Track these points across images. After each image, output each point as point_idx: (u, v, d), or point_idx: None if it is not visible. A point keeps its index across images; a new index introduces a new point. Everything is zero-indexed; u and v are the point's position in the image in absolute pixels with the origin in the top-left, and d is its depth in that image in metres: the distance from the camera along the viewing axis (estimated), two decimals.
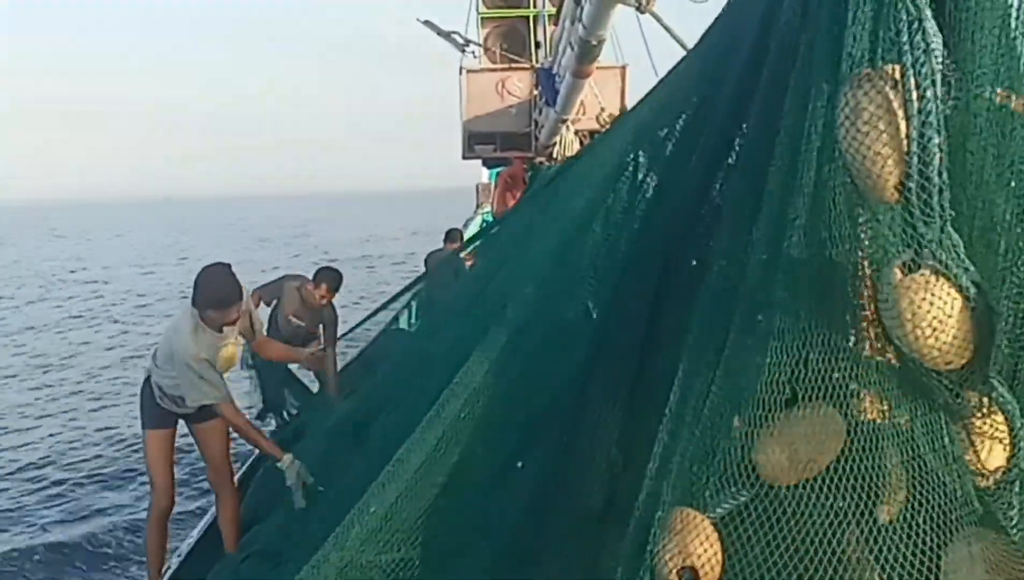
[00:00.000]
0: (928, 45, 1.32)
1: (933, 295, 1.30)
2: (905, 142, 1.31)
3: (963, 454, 1.37)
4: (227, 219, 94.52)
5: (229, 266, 4.57)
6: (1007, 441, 1.36)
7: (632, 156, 2.58)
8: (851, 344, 1.41)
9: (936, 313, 1.30)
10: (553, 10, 10.03)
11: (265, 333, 5.76)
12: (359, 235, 51.31)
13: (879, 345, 1.39)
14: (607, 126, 7.28)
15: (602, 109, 8.01)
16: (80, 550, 7.61)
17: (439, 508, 2.51)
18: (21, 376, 15.05)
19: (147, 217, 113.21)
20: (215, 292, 4.41)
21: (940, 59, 1.33)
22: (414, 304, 7.66)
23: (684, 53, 3.06)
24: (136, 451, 9.96)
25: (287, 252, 35.16)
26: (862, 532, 1.36)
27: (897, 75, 1.33)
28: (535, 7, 11.07)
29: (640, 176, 2.52)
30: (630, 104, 8.47)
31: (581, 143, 8.33)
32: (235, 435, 5.00)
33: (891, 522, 1.37)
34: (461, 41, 10.38)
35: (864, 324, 1.40)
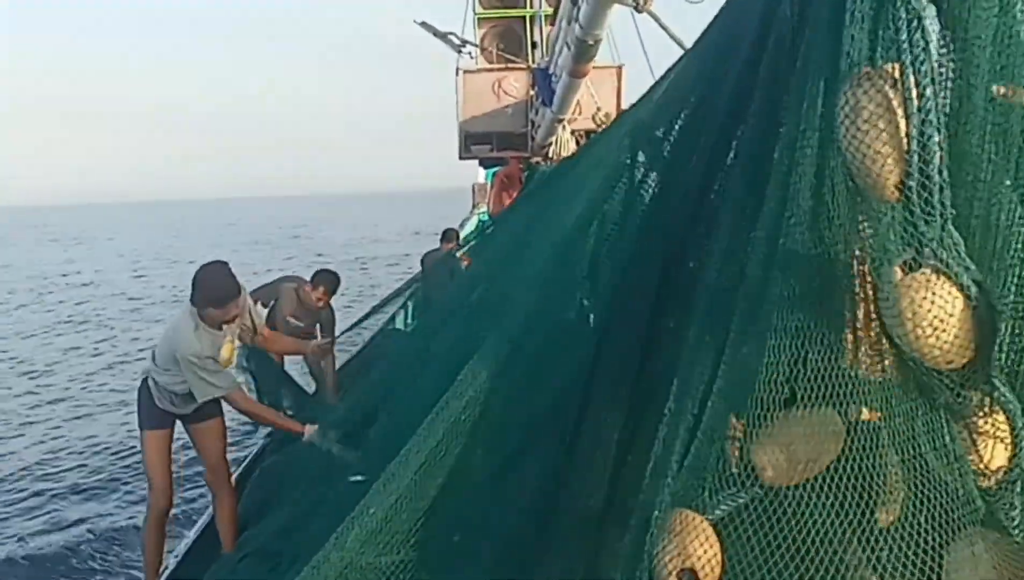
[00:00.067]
0: (927, 43, 1.32)
1: (934, 294, 1.30)
2: (905, 140, 1.31)
3: (965, 454, 1.37)
4: (226, 220, 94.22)
5: (226, 264, 4.59)
6: (1008, 441, 1.36)
7: (631, 156, 2.57)
8: (851, 343, 1.40)
9: (937, 312, 1.29)
10: (550, 10, 10.04)
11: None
12: (356, 236, 51.17)
13: (879, 344, 1.39)
14: (603, 126, 7.28)
15: (598, 109, 8.01)
16: (63, 561, 7.37)
17: (439, 510, 2.51)
18: (4, 383, 14.66)
19: (146, 218, 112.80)
20: (214, 290, 4.42)
21: (940, 55, 1.33)
22: (410, 304, 7.66)
23: (681, 52, 3.06)
24: (120, 460, 9.83)
25: (281, 254, 34.99)
26: (863, 533, 1.36)
27: (897, 73, 1.33)
28: (531, 7, 11.07)
29: (639, 176, 2.51)
30: (626, 104, 8.48)
31: (577, 143, 8.34)
32: (234, 436, 5.01)
33: (892, 522, 1.36)
34: (458, 42, 10.37)
35: (864, 323, 1.39)
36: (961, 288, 1.30)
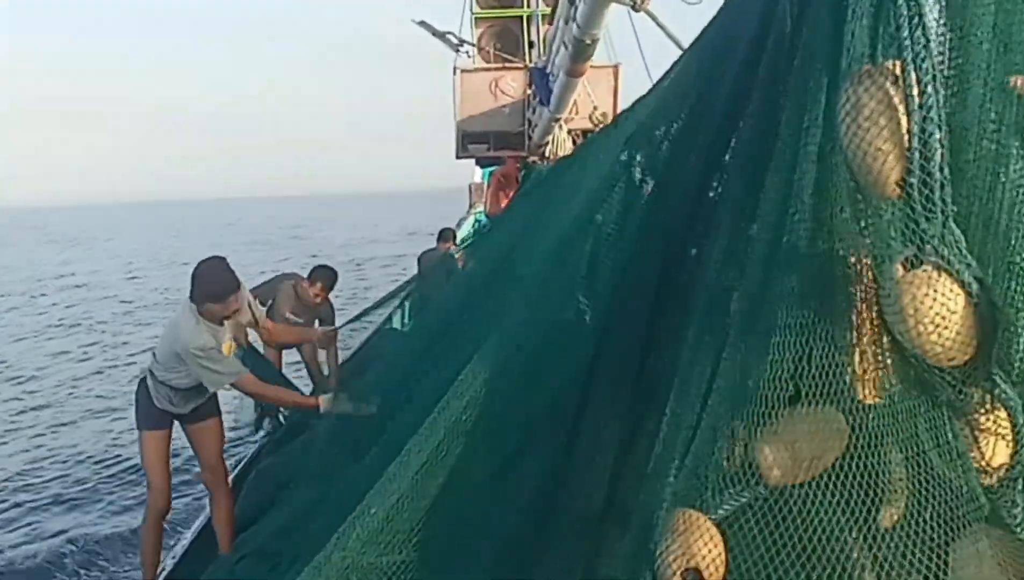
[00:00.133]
0: (928, 40, 1.32)
1: (935, 291, 1.30)
2: (906, 138, 1.31)
3: (967, 451, 1.37)
4: (225, 220, 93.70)
5: (225, 259, 4.58)
6: (1010, 438, 1.35)
7: (629, 155, 2.57)
8: (853, 341, 1.40)
9: (938, 309, 1.29)
10: (547, 10, 10.02)
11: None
12: (356, 236, 50.97)
13: (881, 341, 1.39)
14: (600, 125, 7.28)
15: (595, 108, 8.01)
16: (44, 574, 7.13)
17: (440, 510, 2.50)
18: None
19: (145, 218, 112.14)
20: (213, 285, 4.42)
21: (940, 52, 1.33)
22: (407, 304, 7.66)
23: (679, 51, 3.05)
24: (104, 469, 9.61)
25: (277, 255, 34.80)
26: (868, 530, 1.35)
27: (898, 71, 1.33)
28: (528, 7, 11.06)
29: (638, 176, 2.51)
30: (623, 103, 8.48)
31: (574, 142, 8.34)
32: (232, 436, 5.00)
33: (897, 520, 1.36)
34: (455, 41, 10.36)
35: (866, 320, 1.39)
36: (962, 285, 1.30)
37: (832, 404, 1.39)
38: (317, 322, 7.09)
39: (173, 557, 5.11)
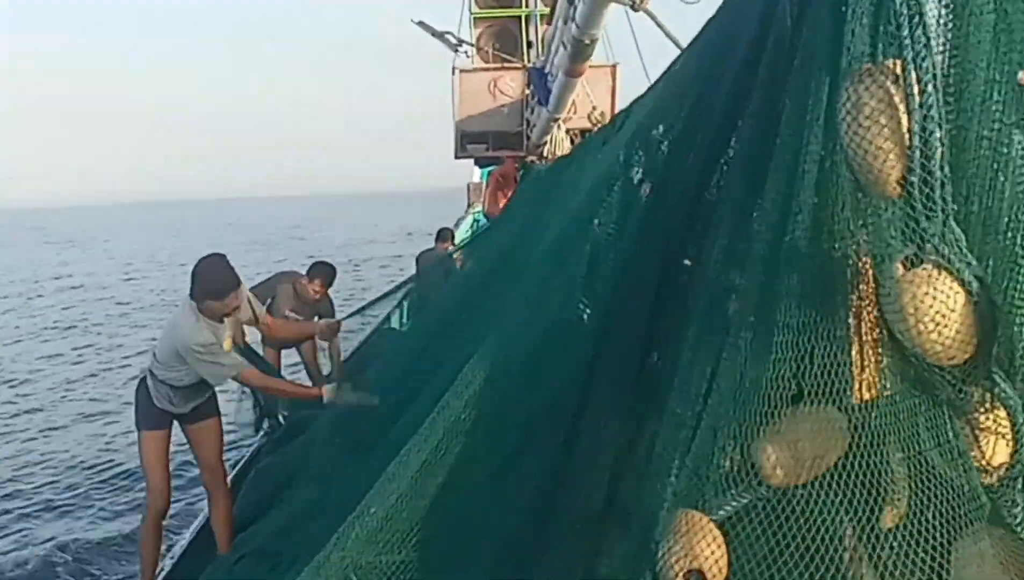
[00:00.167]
0: (928, 39, 1.32)
1: (936, 290, 1.30)
2: (907, 137, 1.31)
3: (967, 450, 1.36)
4: (225, 220, 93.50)
5: (224, 256, 4.58)
6: (1010, 437, 1.35)
7: (628, 155, 2.57)
8: (854, 340, 1.40)
9: (939, 308, 1.29)
10: (546, 10, 10.03)
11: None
12: (356, 236, 50.87)
13: (882, 340, 1.39)
14: (599, 125, 7.28)
15: (594, 108, 8.01)
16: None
17: (440, 509, 2.50)
18: None
19: (145, 218, 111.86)
20: (212, 282, 4.42)
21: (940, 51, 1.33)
22: (406, 303, 7.68)
23: (677, 51, 3.05)
24: (96, 474, 9.53)
25: (276, 255, 34.72)
26: (871, 530, 1.35)
27: (898, 70, 1.33)
28: (527, 7, 11.07)
29: (637, 175, 2.51)
30: (621, 103, 8.48)
31: (572, 142, 8.34)
32: (230, 436, 5.00)
33: (899, 519, 1.36)
34: (454, 41, 10.36)
35: (866, 319, 1.39)
36: (963, 284, 1.30)
37: (834, 403, 1.39)
38: (317, 318, 7.11)
39: (172, 558, 5.11)
